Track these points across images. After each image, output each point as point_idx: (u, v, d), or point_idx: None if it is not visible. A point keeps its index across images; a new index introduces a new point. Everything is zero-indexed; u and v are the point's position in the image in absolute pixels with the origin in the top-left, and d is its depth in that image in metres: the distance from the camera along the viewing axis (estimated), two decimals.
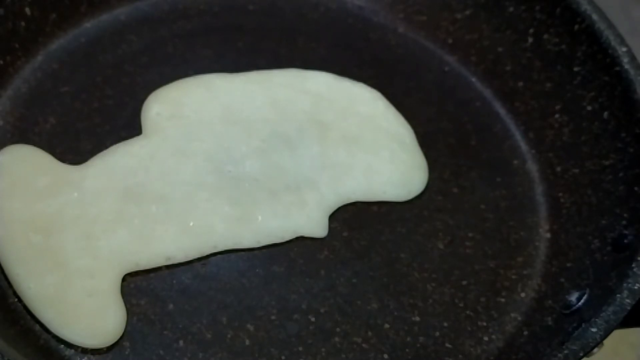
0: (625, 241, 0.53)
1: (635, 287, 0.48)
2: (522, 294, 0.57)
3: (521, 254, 0.59)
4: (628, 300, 0.47)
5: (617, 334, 0.45)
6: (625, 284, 0.48)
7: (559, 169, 0.62)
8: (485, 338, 0.55)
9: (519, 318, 0.56)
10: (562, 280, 0.56)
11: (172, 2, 0.68)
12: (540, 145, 0.64)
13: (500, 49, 0.68)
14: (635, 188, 0.55)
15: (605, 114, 0.60)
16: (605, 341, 0.45)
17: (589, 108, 0.62)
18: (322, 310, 0.54)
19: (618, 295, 0.48)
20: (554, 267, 0.58)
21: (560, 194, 0.61)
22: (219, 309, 0.53)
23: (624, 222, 0.55)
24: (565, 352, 0.45)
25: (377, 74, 0.67)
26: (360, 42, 0.69)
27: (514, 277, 0.57)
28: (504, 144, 0.65)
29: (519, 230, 0.60)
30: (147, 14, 0.67)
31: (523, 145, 0.65)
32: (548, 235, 0.60)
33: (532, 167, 0.63)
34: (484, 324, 0.55)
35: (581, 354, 0.45)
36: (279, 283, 0.55)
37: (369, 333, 0.54)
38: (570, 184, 0.61)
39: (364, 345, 0.53)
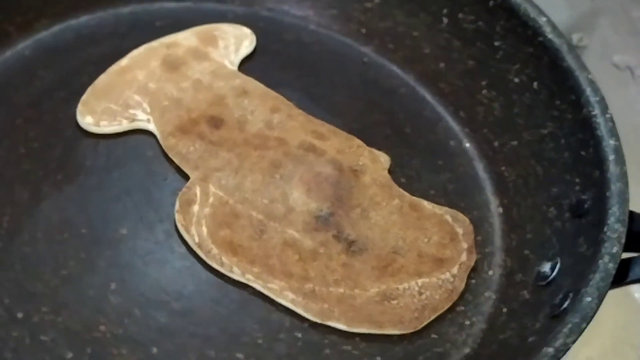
0: (586, 206, 0.54)
1: (614, 251, 0.49)
2: (490, 272, 0.58)
3: (479, 233, 0.59)
4: (611, 265, 0.48)
5: (618, 334, 0.46)
6: (604, 250, 0.49)
7: (496, 143, 0.63)
8: (467, 322, 0.55)
9: (494, 296, 0.56)
10: (527, 252, 0.57)
11: (75, 29, 0.65)
12: (472, 123, 0.65)
13: (416, 33, 0.68)
14: (582, 152, 0.56)
15: (535, 85, 0.61)
16: (606, 341, 0.47)
17: (517, 80, 0.63)
18: (305, 325, 0.53)
19: (601, 261, 0.49)
20: (513, 241, 0.59)
21: (503, 168, 0.62)
22: (204, 343, 0.51)
23: (577, 188, 0.56)
24: (569, 325, 0.46)
25: (301, 75, 0.66)
26: (276, 45, 0.68)
27: (477, 257, 0.58)
28: (437, 127, 0.65)
29: (471, 210, 0.61)
30: (51, 45, 0.64)
31: (455, 126, 0.65)
32: (500, 210, 0.61)
33: (470, 145, 0.64)
34: (462, 308, 0.56)
35: (584, 325, 0.46)
36: (257, 304, 0.53)
37: (357, 338, 0.53)
38: (511, 157, 0.62)
39: (354, 351, 0.53)
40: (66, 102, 0.60)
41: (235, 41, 0.66)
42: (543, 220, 0.58)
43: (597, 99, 0.57)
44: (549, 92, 0.60)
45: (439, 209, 0.59)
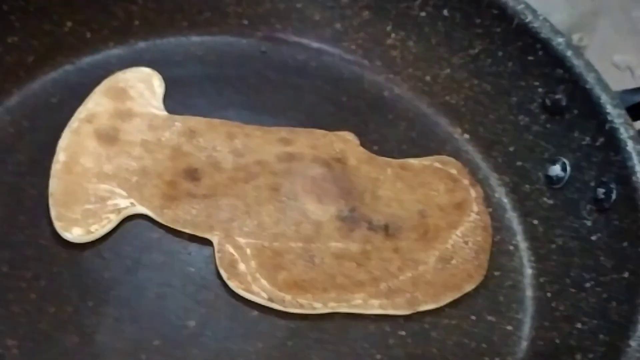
0: (563, 103, 0.58)
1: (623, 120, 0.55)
2: (496, 194, 0.61)
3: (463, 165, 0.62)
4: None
5: None
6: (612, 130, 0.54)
7: (428, 78, 0.66)
8: (510, 247, 0.59)
9: (515, 213, 0.60)
10: (519, 163, 0.61)
11: None
12: (394, 67, 0.66)
13: (299, 5, 0.67)
14: (530, 57, 0.60)
15: (445, 11, 0.64)
16: None
17: (423, 14, 0.65)
18: (402, 321, 0.54)
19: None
20: (498, 158, 0.62)
21: (447, 97, 0.65)
22: None
23: (540, 90, 0.60)
24: None
25: (220, 90, 0.64)
26: (177, 71, 0.64)
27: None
28: (364, 84, 0.66)
29: (442, 147, 0.63)
30: None
31: (378, 76, 0.66)
32: (466, 136, 0.64)
33: (402, 89, 0.66)
34: (498, 237, 0.59)
35: None
36: (353, 326, 0.53)
37: (446, 310, 0.55)
38: (449, 85, 0.65)
39: (452, 322, 0.55)
40: (34, 227, 0.54)
41: (145, 85, 0.61)
42: (518, 129, 0.62)
43: (523, 5, 0.60)
44: (464, 13, 0.63)
45: (425, 160, 0.61)
